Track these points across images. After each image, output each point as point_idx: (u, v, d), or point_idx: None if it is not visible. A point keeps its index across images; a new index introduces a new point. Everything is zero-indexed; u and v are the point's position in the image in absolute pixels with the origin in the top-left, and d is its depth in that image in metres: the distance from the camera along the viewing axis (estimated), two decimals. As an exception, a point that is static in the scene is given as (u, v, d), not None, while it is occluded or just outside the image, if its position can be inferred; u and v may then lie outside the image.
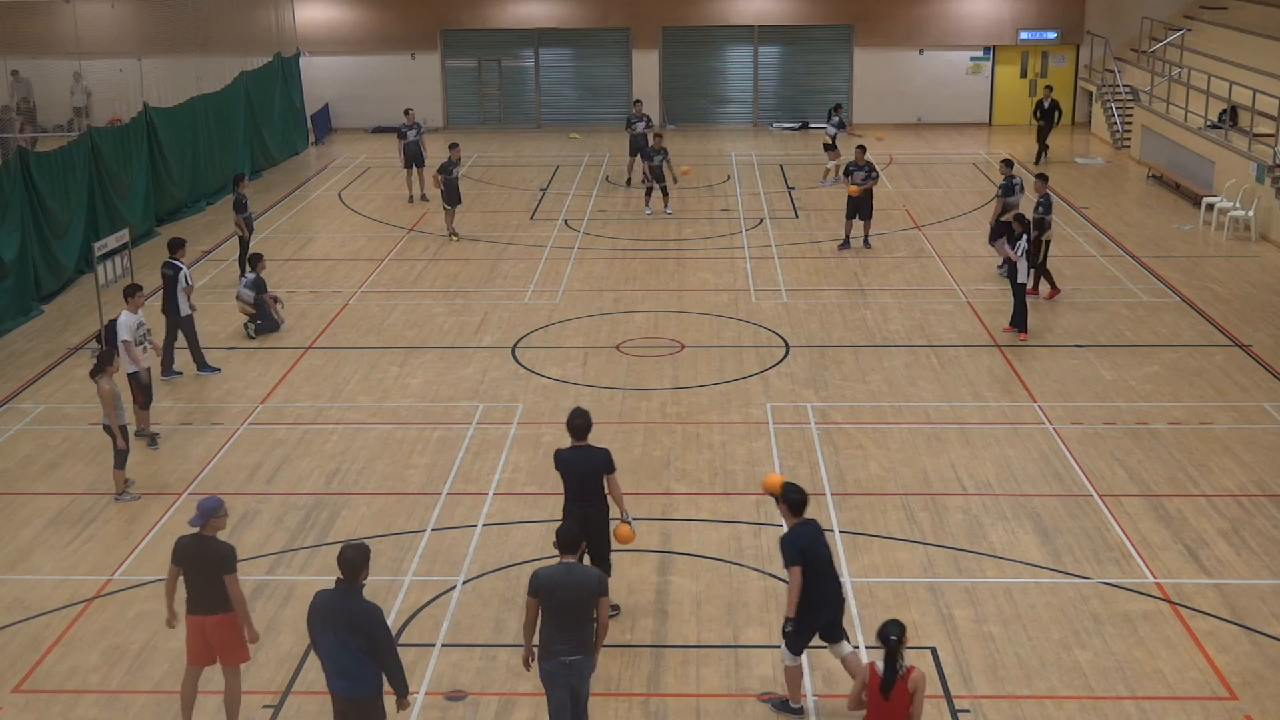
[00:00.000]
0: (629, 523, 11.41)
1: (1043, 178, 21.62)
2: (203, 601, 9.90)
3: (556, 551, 9.56)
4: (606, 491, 11.40)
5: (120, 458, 14.39)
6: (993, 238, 22.87)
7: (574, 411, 11.50)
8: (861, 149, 24.65)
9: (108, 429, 14.32)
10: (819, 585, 10.13)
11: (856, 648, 11.25)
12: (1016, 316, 19.38)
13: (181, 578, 10.02)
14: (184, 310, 17.75)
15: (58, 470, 15.32)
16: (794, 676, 10.42)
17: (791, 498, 10.29)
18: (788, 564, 10.06)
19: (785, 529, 10.31)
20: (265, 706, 10.67)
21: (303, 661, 11.27)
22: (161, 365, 17.88)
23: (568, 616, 9.36)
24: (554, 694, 9.53)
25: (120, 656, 11.49)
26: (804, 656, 10.55)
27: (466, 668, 11.22)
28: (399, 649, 11.39)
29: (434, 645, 11.56)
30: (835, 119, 31.53)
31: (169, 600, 10.16)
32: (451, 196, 25.38)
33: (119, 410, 14.26)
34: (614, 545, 11.57)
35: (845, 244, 24.45)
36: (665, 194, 27.45)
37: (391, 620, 11.91)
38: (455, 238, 25.39)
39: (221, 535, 13.30)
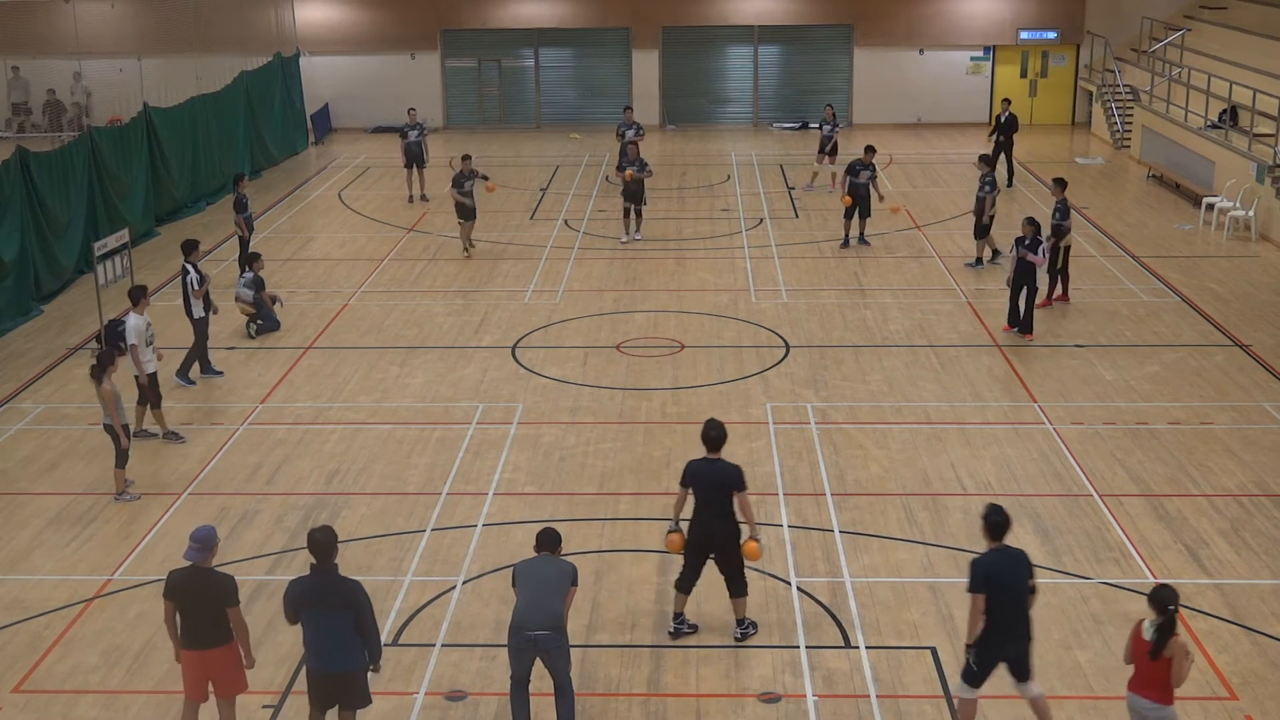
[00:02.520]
0: (758, 540, 11.29)
1: (1060, 183, 20.83)
2: (202, 636, 9.61)
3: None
4: (736, 508, 11.18)
5: (122, 458, 14.40)
6: (979, 234, 22.82)
7: (709, 423, 11.31)
8: (870, 149, 24.35)
9: (109, 429, 14.33)
10: (1002, 618, 9.58)
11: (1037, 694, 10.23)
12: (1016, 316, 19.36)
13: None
14: (195, 313, 17.68)
15: (57, 470, 15.32)
16: (967, 710, 9.93)
17: (990, 520, 9.64)
18: (970, 589, 9.58)
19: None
20: (265, 707, 10.66)
21: (302, 662, 11.24)
22: (200, 366, 17.97)
23: (536, 594, 9.79)
24: (516, 664, 9.94)
25: (120, 656, 11.49)
26: (965, 688, 9.93)
27: (466, 668, 11.22)
28: (399, 649, 11.49)
29: (434, 645, 11.56)
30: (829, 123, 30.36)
31: (172, 635, 9.79)
32: (465, 211, 24.05)
33: (120, 410, 14.27)
34: (745, 562, 11.43)
35: (845, 243, 24.47)
36: (640, 216, 25.15)
37: (391, 620, 11.93)
38: (472, 247, 24.35)
39: (222, 536, 13.49)
